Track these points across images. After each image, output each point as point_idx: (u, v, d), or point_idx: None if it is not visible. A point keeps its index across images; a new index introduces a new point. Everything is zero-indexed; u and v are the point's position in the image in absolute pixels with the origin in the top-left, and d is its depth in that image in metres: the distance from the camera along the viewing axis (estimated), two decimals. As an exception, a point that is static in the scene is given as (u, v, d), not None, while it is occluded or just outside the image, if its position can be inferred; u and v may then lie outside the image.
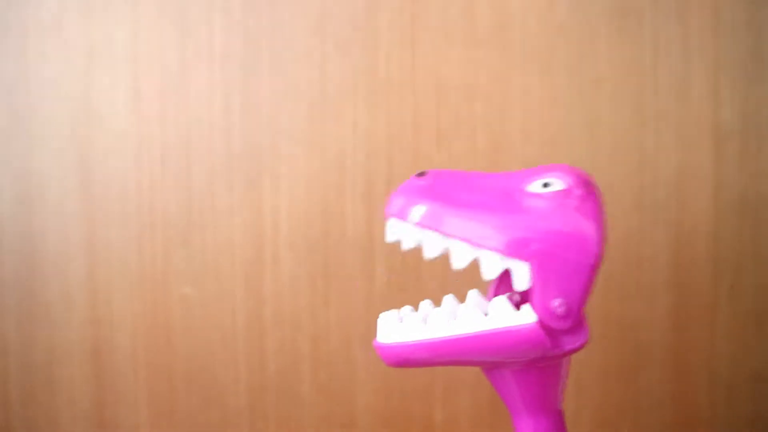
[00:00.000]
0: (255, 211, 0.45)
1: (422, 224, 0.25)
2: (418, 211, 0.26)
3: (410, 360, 0.26)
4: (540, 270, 0.25)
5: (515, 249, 0.25)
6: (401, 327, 0.26)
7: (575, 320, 0.25)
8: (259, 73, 0.45)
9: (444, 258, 0.44)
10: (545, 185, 0.26)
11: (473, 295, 0.27)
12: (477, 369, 0.44)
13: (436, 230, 0.25)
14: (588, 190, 0.26)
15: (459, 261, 0.25)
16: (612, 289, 0.43)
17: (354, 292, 0.45)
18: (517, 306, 0.26)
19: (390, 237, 0.27)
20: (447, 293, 0.27)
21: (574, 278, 0.25)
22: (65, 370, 0.47)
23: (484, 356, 0.26)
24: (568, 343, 0.25)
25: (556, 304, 0.25)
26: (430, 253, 0.26)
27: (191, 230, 0.46)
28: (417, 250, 0.44)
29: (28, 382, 0.47)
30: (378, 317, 0.27)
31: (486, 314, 0.26)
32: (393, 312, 0.27)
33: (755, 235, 0.43)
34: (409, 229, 0.26)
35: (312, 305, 0.45)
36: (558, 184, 0.26)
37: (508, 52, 0.44)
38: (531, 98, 0.44)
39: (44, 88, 0.46)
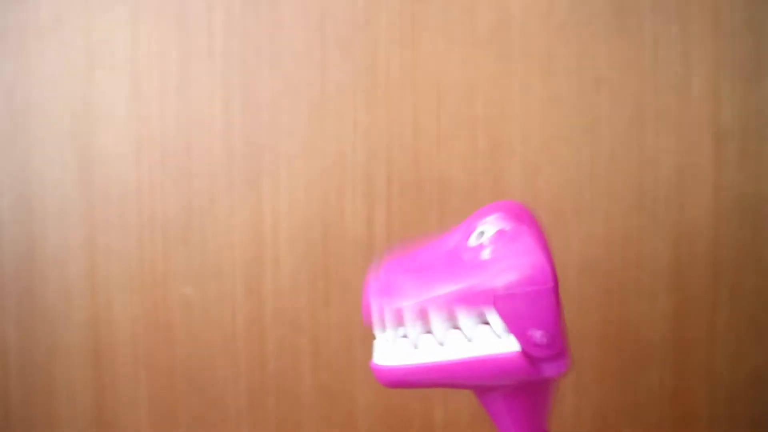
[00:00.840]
0: (255, 211, 0.45)
1: (397, 323, 0.27)
2: (386, 315, 0.27)
3: (404, 382, 0.27)
4: (506, 311, 0.26)
5: (478, 299, 0.26)
6: (395, 350, 0.27)
7: (557, 349, 0.26)
8: (259, 73, 0.45)
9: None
10: (481, 234, 0.27)
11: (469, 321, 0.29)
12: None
13: (415, 321, 0.27)
14: (517, 221, 0.27)
15: (440, 333, 0.27)
16: (612, 289, 0.43)
17: (354, 292, 0.45)
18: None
19: (377, 342, 0.28)
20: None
21: (540, 307, 0.26)
22: (65, 370, 0.47)
23: (471, 381, 0.27)
24: (549, 370, 0.26)
25: (538, 335, 0.26)
26: (411, 344, 0.27)
27: (191, 230, 0.46)
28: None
29: (28, 382, 0.47)
30: (375, 336, 0.28)
31: (472, 342, 0.27)
32: (390, 332, 0.27)
33: (755, 235, 0.43)
34: (390, 333, 0.27)
35: (312, 305, 0.45)
36: (489, 229, 0.27)
37: (508, 52, 0.44)
38: (531, 98, 0.44)
39: (44, 88, 0.46)
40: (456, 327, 0.27)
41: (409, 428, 0.45)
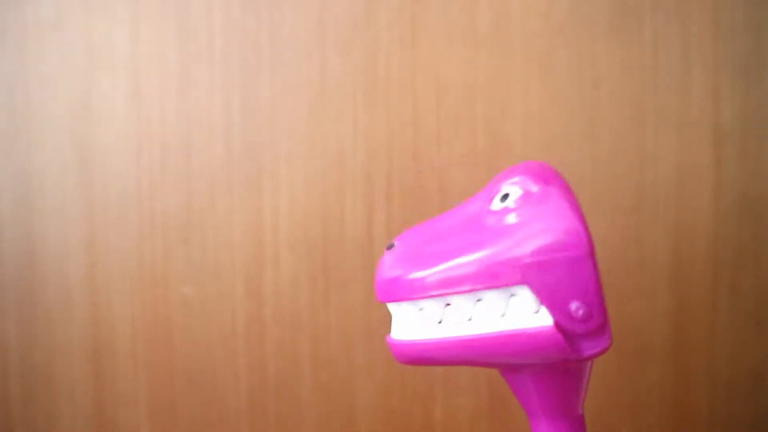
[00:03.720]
0: (255, 211, 0.45)
1: (412, 297, 0.25)
2: (404, 286, 0.25)
3: (423, 359, 0.25)
4: (540, 284, 0.23)
5: (506, 278, 0.24)
6: (415, 324, 0.25)
7: (597, 323, 0.23)
8: (259, 73, 0.45)
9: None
10: (505, 197, 0.25)
11: (495, 292, 0.26)
12: (476, 370, 0.44)
13: (428, 296, 0.24)
14: (545, 181, 0.25)
15: (463, 313, 0.24)
16: (612, 289, 0.43)
17: (354, 292, 0.45)
18: None
19: (397, 318, 0.26)
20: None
21: (576, 276, 0.23)
22: (65, 370, 0.47)
23: (500, 358, 0.24)
24: (588, 347, 0.24)
25: (574, 307, 0.23)
26: (433, 318, 0.25)
27: (191, 230, 0.46)
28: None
29: (28, 382, 0.47)
30: (390, 311, 0.26)
31: (503, 315, 0.24)
32: (408, 306, 0.25)
33: (755, 235, 0.43)
34: (404, 307, 0.25)
35: (312, 305, 0.45)
36: (514, 191, 0.25)
37: (508, 52, 0.44)
38: (531, 98, 0.44)
39: (44, 87, 0.46)
40: (480, 300, 0.25)
41: (409, 428, 0.45)
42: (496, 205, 0.25)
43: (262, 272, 0.45)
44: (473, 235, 0.25)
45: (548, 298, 0.23)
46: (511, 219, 0.24)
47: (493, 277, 0.24)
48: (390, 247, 0.26)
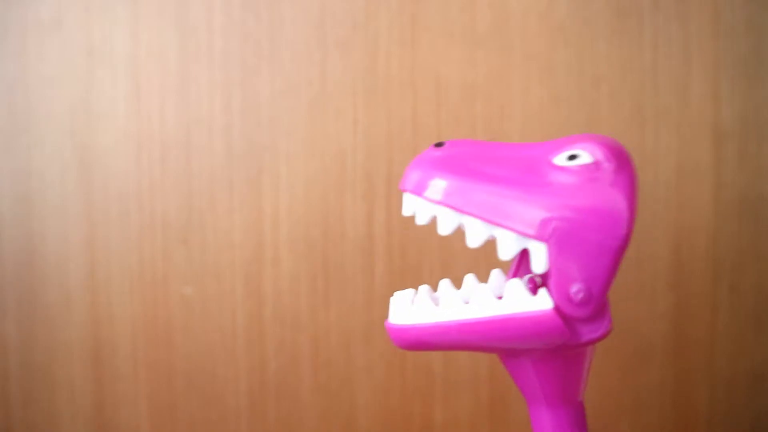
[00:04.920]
0: (255, 211, 0.45)
1: (436, 199, 0.24)
2: (433, 185, 0.24)
3: (421, 343, 0.25)
4: (558, 251, 0.23)
5: (531, 228, 0.23)
6: (413, 308, 0.25)
7: (595, 308, 0.23)
8: (259, 72, 0.45)
9: (443, 258, 0.44)
10: (572, 157, 0.24)
11: (495, 275, 0.26)
12: (476, 370, 0.44)
13: (451, 206, 0.24)
14: (620, 163, 0.24)
15: (473, 239, 0.24)
16: (612, 289, 0.43)
17: (354, 292, 0.45)
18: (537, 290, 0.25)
19: (406, 211, 0.25)
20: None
21: (597, 261, 0.23)
22: (65, 370, 0.47)
23: (497, 342, 0.24)
24: (587, 332, 0.23)
25: (575, 289, 0.23)
26: (443, 230, 0.24)
27: (191, 230, 0.46)
28: (417, 255, 0.44)
29: (28, 382, 0.47)
30: (393, 297, 0.26)
31: (501, 298, 0.24)
32: (408, 291, 0.25)
33: (755, 235, 0.43)
34: (423, 204, 0.24)
35: (312, 305, 0.45)
36: (586, 156, 0.23)
37: (508, 52, 0.44)
38: (531, 98, 0.44)
39: (44, 88, 0.46)
40: (482, 282, 0.25)
41: (409, 428, 0.45)
42: (560, 160, 0.24)
43: (262, 272, 0.45)
44: (524, 174, 0.24)
45: (558, 267, 0.23)
46: (569, 179, 0.23)
47: (520, 218, 0.23)
48: (438, 144, 0.25)
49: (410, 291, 0.25)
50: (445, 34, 0.44)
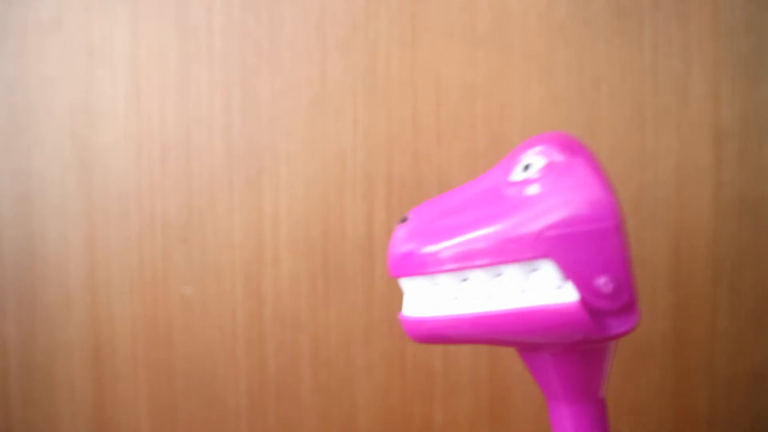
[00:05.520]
0: (255, 211, 0.45)
1: (426, 272, 0.23)
2: (418, 261, 0.23)
3: (438, 336, 0.24)
4: (565, 257, 0.22)
5: (528, 251, 0.22)
6: (430, 300, 0.24)
7: (626, 299, 0.22)
8: (259, 72, 0.45)
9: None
10: (526, 168, 0.23)
11: (516, 266, 0.25)
12: (476, 370, 0.44)
13: (443, 271, 0.23)
14: (571, 151, 0.23)
15: (481, 289, 0.23)
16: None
17: (354, 292, 0.45)
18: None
19: (409, 294, 0.25)
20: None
21: (604, 249, 0.22)
22: (65, 370, 0.46)
23: (520, 336, 0.23)
24: (615, 326, 0.22)
25: (602, 282, 0.22)
26: (449, 294, 0.24)
27: (191, 230, 0.46)
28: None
29: (28, 382, 0.47)
30: (402, 288, 0.25)
31: (523, 291, 0.23)
32: (421, 281, 0.24)
33: (755, 235, 0.43)
34: (420, 282, 0.24)
35: (312, 305, 0.45)
36: (537, 161, 0.23)
37: (508, 52, 0.44)
38: (531, 98, 0.44)
39: (44, 88, 0.46)
40: (499, 275, 0.23)
41: (409, 428, 0.45)
42: (517, 175, 0.23)
43: (262, 272, 0.45)
44: (492, 207, 0.23)
45: (574, 273, 0.22)
46: (534, 190, 0.23)
47: (514, 251, 0.22)
48: (403, 220, 0.25)
49: (424, 281, 0.24)
50: (445, 34, 0.44)
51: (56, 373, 0.47)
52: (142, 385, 0.46)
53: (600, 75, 0.43)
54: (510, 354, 0.44)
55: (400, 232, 0.24)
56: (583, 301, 0.22)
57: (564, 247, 0.22)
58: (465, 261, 0.23)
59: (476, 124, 0.44)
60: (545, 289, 0.22)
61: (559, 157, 0.23)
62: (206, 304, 0.46)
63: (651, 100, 0.43)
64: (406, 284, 0.24)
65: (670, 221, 0.43)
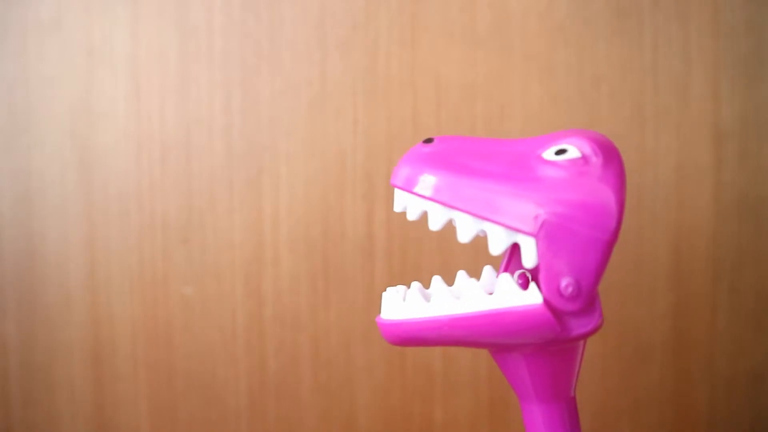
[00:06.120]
0: (255, 211, 0.45)
1: (426, 195, 0.24)
2: (422, 181, 0.24)
3: (412, 339, 0.25)
4: (547, 246, 0.23)
5: (520, 222, 0.23)
6: (404, 304, 0.25)
7: (585, 302, 0.23)
8: (259, 72, 0.45)
9: (443, 257, 0.44)
10: (560, 152, 0.24)
11: (487, 272, 0.26)
12: (476, 370, 0.44)
13: (440, 202, 0.24)
14: (608, 157, 0.24)
15: (463, 234, 0.24)
16: (611, 290, 0.43)
17: (354, 292, 0.45)
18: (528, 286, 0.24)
19: (397, 206, 0.25)
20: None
21: (587, 255, 0.23)
22: (65, 370, 0.47)
23: (489, 338, 0.24)
24: (578, 326, 0.23)
25: (564, 284, 0.23)
26: (433, 225, 0.24)
27: (191, 230, 0.46)
28: (417, 255, 0.44)
29: (28, 382, 0.47)
30: (385, 293, 0.26)
31: (491, 293, 0.24)
32: (399, 288, 0.25)
33: (755, 235, 0.43)
34: (413, 200, 0.25)
35: (312, 305, 0.45)
36: (574, 151, 0.24)
37: (508, 52, 0.44)
38: (531, 98, 0.44)
39: (44, 88, 0.46)
40: (462, 281, 0.25)
41: (409, 428, 0.45)
42: (549, 155, 0.24)
43: (262, 272, 0.45)
44: (513, 169, 0.24)
45: (547, 261, 0.23)
46: (557, 173, 0.23)
47: (508, 213, 0.23)
48: (428, 140, 0.25)
49: (401, 287, 0.25)
50: (445, 34, 0.44)
51: (56, 373, 0.47)
52: (142, 385, 0.46)
53: (600, 75, 0.43)
54: (510, 354, 0.44)
55: (420, 149, 0.25)
56: (547, 303, 0.23)
57: (555, 235, 0.23)
58: (461, 201, 0.24)
59: (476, 124, 0.44)
60: (511, 291, 0.23)
61: (594, 157, 0.24)
62: (206, 304, 0.46)
63: (651, 100, 0.43)
64: (389, 293, 0.25)
65: (670, 221, 0.43)
